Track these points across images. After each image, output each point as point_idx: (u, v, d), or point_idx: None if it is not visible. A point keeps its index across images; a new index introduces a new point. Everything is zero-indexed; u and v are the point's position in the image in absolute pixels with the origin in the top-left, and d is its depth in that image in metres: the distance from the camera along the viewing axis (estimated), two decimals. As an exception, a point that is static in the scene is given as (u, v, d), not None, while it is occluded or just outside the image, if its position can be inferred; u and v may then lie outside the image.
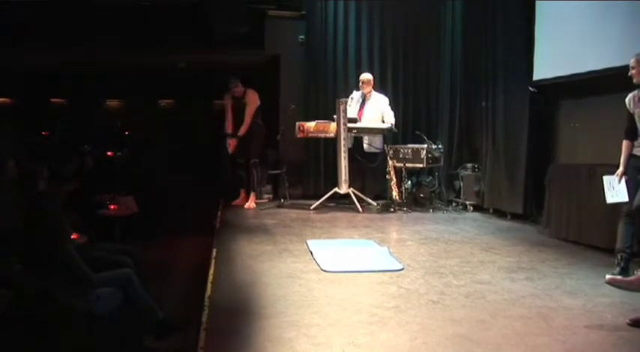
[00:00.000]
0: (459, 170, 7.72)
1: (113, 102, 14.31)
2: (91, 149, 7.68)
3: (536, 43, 6.47)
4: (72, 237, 3.62)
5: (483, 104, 7.33)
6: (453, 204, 7.61)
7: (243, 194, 7.80)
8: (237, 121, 7.64)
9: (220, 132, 7.89)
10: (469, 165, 7.61)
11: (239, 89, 7.60)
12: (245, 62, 9.53)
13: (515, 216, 6.69)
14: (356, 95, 7.69)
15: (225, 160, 7.91)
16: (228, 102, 7.73)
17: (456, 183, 7.76)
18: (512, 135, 6.77)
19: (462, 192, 7.57)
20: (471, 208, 7.34)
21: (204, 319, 3.39)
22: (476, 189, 7.41)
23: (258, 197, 8.02)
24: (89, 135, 10.77)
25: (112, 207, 5.10)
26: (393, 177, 7.25)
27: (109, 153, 8.88)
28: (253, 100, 7.64)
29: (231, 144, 7.63)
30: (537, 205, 6.37)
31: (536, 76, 6.48)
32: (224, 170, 8.06)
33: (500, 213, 6.95)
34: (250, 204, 7.56)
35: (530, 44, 6.51)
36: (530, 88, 6.53)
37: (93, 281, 3.22)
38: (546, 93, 6.52)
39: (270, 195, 8.31)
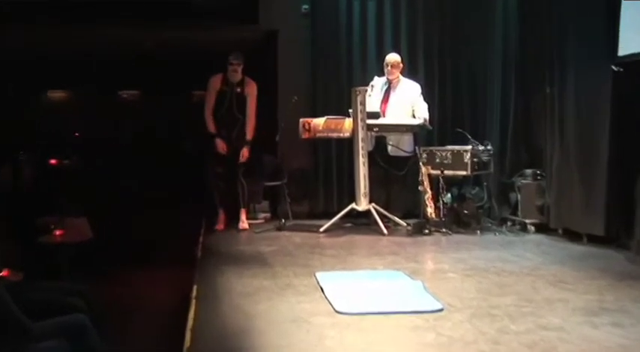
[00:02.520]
0: (515, 178, 7.67)
1: (56, 94, 14.33)
2: (28, 156, 7.70)
3: (624, 6, 6.29)
4: (1, 274, 3.60)
5: (547, 90, 7.28)
6: (508, 223, 7.56)
7: (222, 216, 7.73)
8: (220, 115, 7.63)
9: (202, 132, 7.86)
10: (529, 171, 7.57)
11: (239, 71, 7.60)
12: (232, 40, 9.53)
13: (593, 239, 6.62)
14: (378, 82, 7.67)
15: (207, 169, 7.89)
16: (214, 88, 7.66)
17: (512, 195, 7.72)
18: (589, 131, 6.70)
19: (519, 208, 7.52)
20: (533, 228, 7.29)
21: (181, 379, 3.36)
22: (538, 203, 7.35)
23: (252, 216, 7.99)
24: (25, 138, 10.81)
25: (57, 232, 5.08)
26: (428, 189, 7.22)
27: (52, 162, 8.89)
28: (254, 91, 7.68)
29: (219, 144, 7.60)
30: (625, 224, 6.30)
31: (623, 50, 6.31)
32: (207, 182, 8.04)
33: (572, 235, 6.88)
34: (243, 223, 7.54)
35: (615, 9, 6.37)
36: (614, 67, 6.40)
37: (32, 331, 3.19)
38: (637, 73, 6.36)
39: (268, 214, 8.32)
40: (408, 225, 7.41)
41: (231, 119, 7.63)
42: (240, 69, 7.62)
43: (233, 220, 7.77)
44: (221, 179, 7.71)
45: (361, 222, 7.65)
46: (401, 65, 7.73)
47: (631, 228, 6.05)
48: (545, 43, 7.41)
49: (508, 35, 8.02)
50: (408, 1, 8.48)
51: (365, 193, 7.34)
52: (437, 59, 8.54)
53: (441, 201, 7.27)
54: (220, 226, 7.70)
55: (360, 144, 7.32)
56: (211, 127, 7.66)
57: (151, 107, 14.21)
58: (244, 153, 7.61)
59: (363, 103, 7.31)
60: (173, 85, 13.38)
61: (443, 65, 8.56)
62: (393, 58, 7.74)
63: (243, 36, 9.47)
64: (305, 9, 8.57)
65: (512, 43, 7.96)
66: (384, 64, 7.72)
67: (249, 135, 7.63)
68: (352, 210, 7.45)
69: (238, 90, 7.64)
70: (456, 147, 7.45)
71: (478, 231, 7.29)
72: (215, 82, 7.70)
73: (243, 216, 7.65)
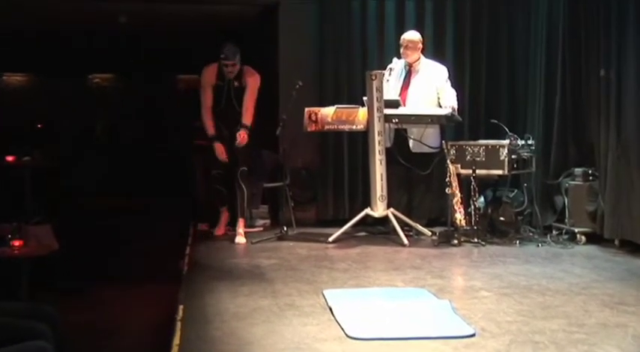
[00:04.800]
0: (561, 179, 7.68)
1: (14, 78, 14.38)
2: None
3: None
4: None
5: (602, 73, 7.25)
6: (553, 232, 7.55)
7: (225, 216, 7.82)
8: (218, 111, 7.65)
9: (192, 127, 7.88)
10: (578, 170, 7.56)
11: (234, 66, 7.56)
12: (226, 15, 9.54)
13: (658, 252, 6.65)
14: (398, 65, 7.68)
15: (196, 168, 7.92)
16: (209, 82, 7.69)
17: (558, 199, 7.72)
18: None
19: (566, 214, 7.51)
20: (583, 239, 7.29)
21: None
22: (590, 208, 7.34)
23: (249, 224, 7.99)
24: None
25: (15, 243, 5.07)
26: (457, 192, 7.21)
27: (9, 159, 8.90)
28: (255, 83, 7.66)
29: (218, 149, 7.64)
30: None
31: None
32: (195, 182, 8.07)
33: (632, 247, 6.87)
34: (240, 237, 7.51)
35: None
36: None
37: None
38: None
39: (267, 221, 8.36)
40: (434, 234, 7.44)
41: (231, 115, 7.62)
42: (236, 69, 7.56)
43: (232, 225, 7.81)
44: (220, 183, 7.74)
45: (377, 231, 7.69)
46: (420, 45, 7.73)
47: None
48: (599, 19, 7.37)
49: (554, 12, 8.00)
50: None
51: (382, 196, 7.33)
52: (468, 38, 8.55)
53: (472, 206, 7.25)
54: (220, 231, 7.78)
55: (377, 138, 7.31)
56: (210, 129, 7.68)
57: (126, 93, 14.22)
58: (242, 135, 7.54)
59: (380, 90, 7.30)
60: (154, 68, 13.38)
61: (476, 46, 8.56)
62: (408, 36, 7.74)
63: (237, 10, 9.47)
64: (312, -20, 8.61)
65: (559, 16, 7.93)
66: (401, 43, 7.72)
67: (246, 120, 7.57)
68: (367, 216, 7.47)
69: (236, 83, 7.60)
70: (491, 142, 7.44)
71: (517, 242, 7.28)
72: (209, 76, 7.70)
73: (240, 228, 7.58)
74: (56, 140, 12.48)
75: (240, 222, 7.62)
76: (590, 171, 7.49)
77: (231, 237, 7.59)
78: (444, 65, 7.85)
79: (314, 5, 8.55)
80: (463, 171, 7.31)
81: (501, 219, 7.56)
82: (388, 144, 7.48)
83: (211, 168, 7.78)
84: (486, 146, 7.38)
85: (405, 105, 7.58)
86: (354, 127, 7.57)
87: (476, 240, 7.16)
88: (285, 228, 7.66)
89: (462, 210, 7.20)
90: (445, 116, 7.42)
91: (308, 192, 8.54)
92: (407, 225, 7.43)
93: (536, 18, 8.23)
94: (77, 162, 12.15)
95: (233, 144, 7.58)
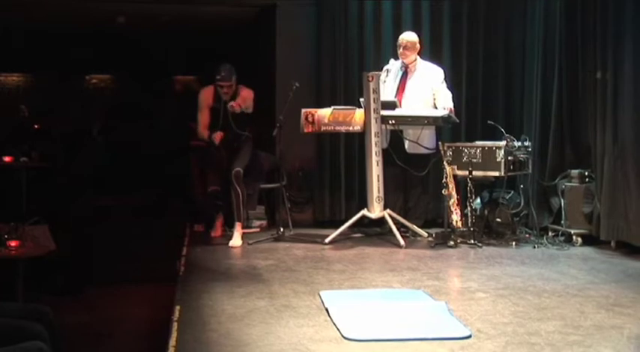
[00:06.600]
0: (558, 180, 7.67)
1: (12, 78, 14.37)
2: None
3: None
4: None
5: (598, 76, 7.25)
6: (550, 233, 7.55)
7: (220, 219, 7.83)
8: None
9: (188, 127, 7.85)
10: (575, 172, 7.55)
11: (230, 87, 7.49)
12: (222, 16, 9.53)
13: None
14: (394, 66, 7.69)
15: (192, 168, 7.91)
16: (206, 104, 7.64)
17: (554, 200, 7.72)
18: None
19: (563, 216, 7.51)
20: (580, 240, 7.29)
21: None
22: (586, 210, 7.34)
23: (246, 225, 7.98)
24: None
25: (12, 243, 5.07)
26: (453, 193, 7.20)
27: (6, 159, 8.90)
28: (249, 94, 7.56)
29: (217, 136, 7.52)
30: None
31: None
32: (192, 183, 8.07)
33: (628, 249, 6.87)
34: (235, 240, 7.45)
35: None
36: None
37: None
38: None
39: (263, 222, 8.34)
40: (430, 235, 7.45)
41: (228, 136, 7.54)
42: (231, 90, 7.47)
43: (228, 226, 7.79)
44: (218, 198, 7.68)
45: (374, 232, 7.68)
46: (418, 46, 7.73)
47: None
48: (596, 21, 7.35)
49: (550, 13, 7.99)
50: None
51: (378, 198, 7.33)
52: (465, 39, 8.56)
53: (468, 208, 7.26)
54: (216, 232, 7.77)
55: (373, 139, 7.31)
56: (204, 132, 7.62)
57: (123, 93, 14.23)
58: (218, 134, 7.48)
59: (377, 91, 7.30)
60: (150, 68, 13.38)
61: (472, 47, 8.58)
62: (406, 37, 7.72)
63: (234, 11, 9.46)
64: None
65: (556, 17, 7.92)
66: (398, 44, 7.72)
67: (237, 104, 7.38)
68: (363, 217, 7.46)
69: (231, 106, 7.49)
70: (487, 144, 7.43)
71: (513, 243, 7.28)
72: (206, 97, 7.63)
73: (237, 231, 7.46)
74: (53, 141, 12.47)
75: (238, 226, 7.48)
76: (586, 173, 7.47)
77: (227, 238, 7.56)
78: (441, 66, 7.84)
79: (311, 6, 8.54)
80: (460, 173, 7.31)
81: (498, 220, 7.55)
82: (384, 145, 7.48)
83: (207, 185, 7.68)
84: (483, 147, 7.38)
85: (400, 106, 7.58)
86: (350, 128, 7.55)
87: (472, 241, 7.16)
88: (281, 229, 7.64)
89: (458, 211, 7.19)
90: (442, 117, 7.42)
91: (304, 193, 8.55)
92: (403, 226, 7.43)
93: (532, 19, 8.23)
94: (73, 162, 12.15)
95: (230, 162, 7.54)
